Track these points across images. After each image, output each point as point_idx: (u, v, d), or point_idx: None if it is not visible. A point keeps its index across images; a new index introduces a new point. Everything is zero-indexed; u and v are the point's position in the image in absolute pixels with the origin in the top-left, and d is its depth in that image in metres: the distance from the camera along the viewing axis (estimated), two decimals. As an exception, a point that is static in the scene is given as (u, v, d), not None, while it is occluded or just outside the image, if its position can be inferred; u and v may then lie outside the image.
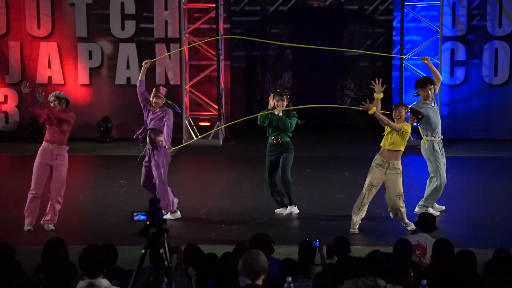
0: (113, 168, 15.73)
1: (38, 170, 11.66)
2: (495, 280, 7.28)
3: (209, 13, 18.30)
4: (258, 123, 12.23)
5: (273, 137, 12.24)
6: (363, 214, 11.45)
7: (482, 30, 18.45)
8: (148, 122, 12.05)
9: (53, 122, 11.56)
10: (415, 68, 18.07)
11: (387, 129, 11.30)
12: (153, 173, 12.04)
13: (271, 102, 12.26)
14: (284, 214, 12.33)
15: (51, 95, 11.70)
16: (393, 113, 11.35)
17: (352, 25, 20.48)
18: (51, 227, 11.61)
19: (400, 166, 11.30)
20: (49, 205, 11.62)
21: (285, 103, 12.18)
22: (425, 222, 9.45)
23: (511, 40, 18.43)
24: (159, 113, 11.99)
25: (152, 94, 12.02)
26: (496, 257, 7.69)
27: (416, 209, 12.14)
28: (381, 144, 11.38)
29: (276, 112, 12.14)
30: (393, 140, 11.23)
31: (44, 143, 11.76)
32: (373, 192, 11.40)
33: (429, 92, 12.12)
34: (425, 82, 12.26)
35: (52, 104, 11.55)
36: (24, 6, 18.66)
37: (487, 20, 18.42)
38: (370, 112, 11.01)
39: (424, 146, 12.18)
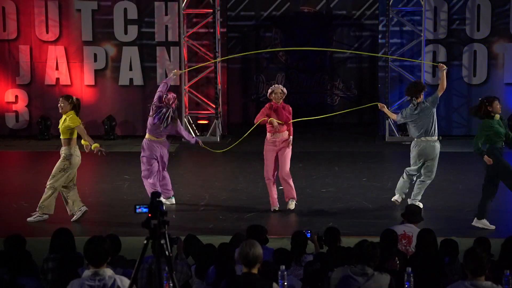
0: (117, 164, 15.66)
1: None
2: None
3: (207, 18, 18.26)
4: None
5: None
6: None
7: (462, 33, 18.41)
8: None
9: None
10: (399, 69, 18.04)
11: None
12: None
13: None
14: None
15: None
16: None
17: (341, 29, 20.43)
18: None
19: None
20: None
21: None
22: (411, 213, 9.42)
23: (488, 42, 18.40)
24: None
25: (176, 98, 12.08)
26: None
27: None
28: None
29: None
30: None
31: None
32: None
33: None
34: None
35: None
36: (33, 12, 18.58)
37: (466, 24, 18.38)
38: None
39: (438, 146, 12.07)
